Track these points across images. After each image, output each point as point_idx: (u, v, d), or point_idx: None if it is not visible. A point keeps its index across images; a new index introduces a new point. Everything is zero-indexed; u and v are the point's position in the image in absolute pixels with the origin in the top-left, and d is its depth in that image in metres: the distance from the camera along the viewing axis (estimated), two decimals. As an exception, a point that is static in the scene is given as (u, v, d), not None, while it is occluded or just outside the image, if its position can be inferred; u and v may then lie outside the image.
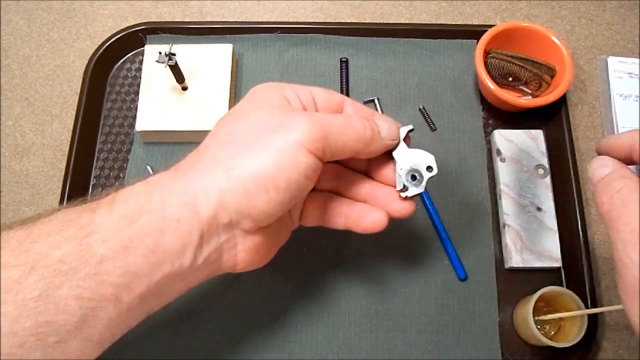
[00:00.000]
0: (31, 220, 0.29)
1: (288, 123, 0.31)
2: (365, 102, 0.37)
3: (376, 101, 0.37)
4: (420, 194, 0.36)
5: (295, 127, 0.31)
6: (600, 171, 0.31)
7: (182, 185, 0.31)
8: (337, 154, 0.33)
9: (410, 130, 0.37)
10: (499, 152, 0.51)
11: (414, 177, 0.36)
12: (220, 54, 0.53)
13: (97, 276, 0.27)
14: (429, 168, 0.36)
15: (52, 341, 0.26)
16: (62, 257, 0.27)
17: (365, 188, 0.38)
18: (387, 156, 0.37)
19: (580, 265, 0.47)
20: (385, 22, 0.60)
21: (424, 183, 0.36)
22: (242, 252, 0.33)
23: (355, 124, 0.33)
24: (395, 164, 0.37)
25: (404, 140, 0.37)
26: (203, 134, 0.34)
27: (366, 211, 0.37)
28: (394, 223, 0.50)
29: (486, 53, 0.53)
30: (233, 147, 0.31)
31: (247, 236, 0.33)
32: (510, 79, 0.54)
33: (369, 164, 0.39)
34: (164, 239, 0.29)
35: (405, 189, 0.36)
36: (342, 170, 0.39)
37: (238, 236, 0.32)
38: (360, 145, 0.33)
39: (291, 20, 0.60)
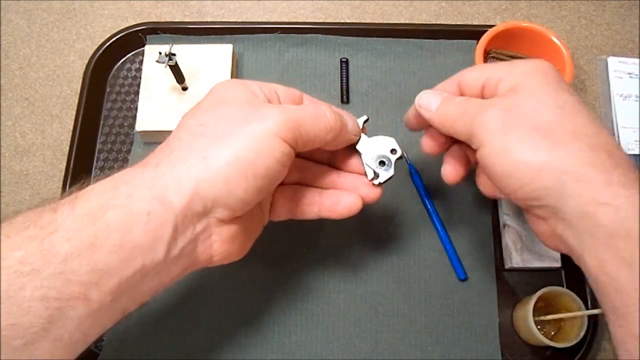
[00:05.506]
0: None
1: (260, 114, 0.32)
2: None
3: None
4: (392, 177, 0.38)
5: (268, 117, 0.31)
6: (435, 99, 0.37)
7: (150, 178, 0.30)
8: (309, 144, 0.34)
9: (366, 121, 0.39)
10: (499, 152, 0.51)
11: (382, 163, 0.38)
12: (220, 54, 0.53)
13: (62, 275, 0.26)
14: (393, 151, 0.38)
15: (19, 344, 0.25)
16: (23, 258, 0.26)
17: (331, 177, 0.39)
18: (349, 148, 0.39)
19: (580, 266, 0.47)
20: (385, 22, 0.60)
21: (392, 166, 0.38)
22: (218, 242, 0.33)
23: (325, 114, 0.34)
24: (361, 156, 0.38)
25: (362, 131, 0.39)
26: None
27: (339, 196, 0.38)
28: (395, 224, 0.50)
29: (486, 53, 0.53)
30: (207, 138, 0.31)
31: (223, 226, 0.32)
32: (510, 79, 0.53)
33: (332, 156, 0.40)
34: (133, 234, 0.28)
35: (376, 176, 0.38)
36: (306, 163, 0.40)
37: (213, 226, 0.32)
38: (330, 136, 0.34)
39: (291, 20, 0.60)
